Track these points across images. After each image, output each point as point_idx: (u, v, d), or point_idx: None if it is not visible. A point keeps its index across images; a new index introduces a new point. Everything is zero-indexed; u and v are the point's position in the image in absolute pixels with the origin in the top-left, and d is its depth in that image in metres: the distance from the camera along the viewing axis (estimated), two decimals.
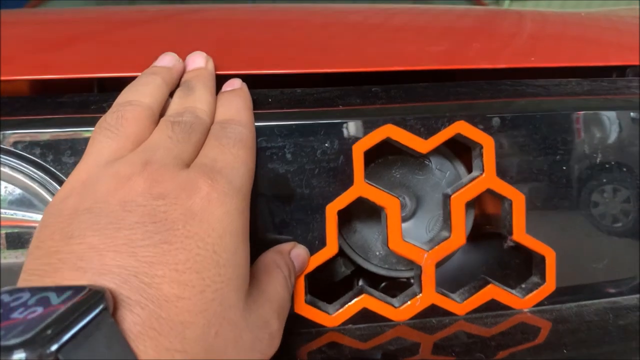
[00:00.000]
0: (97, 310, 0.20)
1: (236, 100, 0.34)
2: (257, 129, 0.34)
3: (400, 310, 0.37)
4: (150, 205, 0.25)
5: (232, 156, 0.30)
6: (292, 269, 0.33)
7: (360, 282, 0.48)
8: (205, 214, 0.26)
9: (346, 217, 0.40)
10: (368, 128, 0.35)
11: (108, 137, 0.29)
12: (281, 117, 0.35)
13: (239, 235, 0.28)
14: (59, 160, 0.33)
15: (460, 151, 0.40)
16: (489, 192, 0.37)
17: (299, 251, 0.35)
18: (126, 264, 0.23)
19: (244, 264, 0.28)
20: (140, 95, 0.31)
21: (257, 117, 0.34)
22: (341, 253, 0.42)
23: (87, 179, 0.27)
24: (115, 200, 0.25)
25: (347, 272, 0.44)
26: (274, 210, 0.35)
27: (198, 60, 0.36)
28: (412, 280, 0.48)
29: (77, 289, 0.21)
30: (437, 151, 0.40)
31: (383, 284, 0.47)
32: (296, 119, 0.35)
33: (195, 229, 0.25)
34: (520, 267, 0.46)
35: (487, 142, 0.36)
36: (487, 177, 0.36)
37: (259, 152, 0.34)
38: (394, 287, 0.47)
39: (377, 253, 0.41)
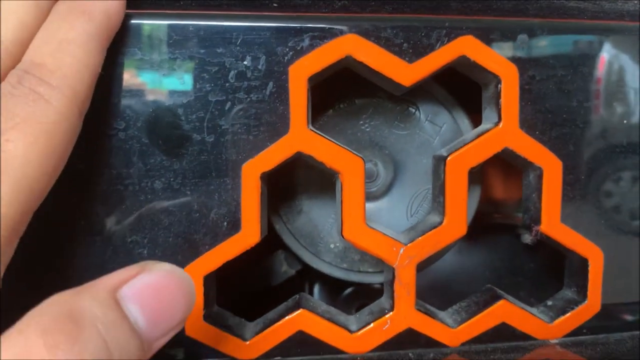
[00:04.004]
0: None
1: (69, 23, 0.19)
2: (131, 27, 0.20)
3: (359, 337, 0.23)
4: None
5: None
6: (116, 321, 0.15)
7: (316, 289, 0.35)
8: None
9: (288, 191, 0.27)
10: (317, 39, 0.21)
11: None
12: (172, 14, 0.21)
13: None
14: None
15: (462, 96, 0.27)
16: (507, 153, 0.23)
17: (148, 280, 0.16)
18: None
19: None
20: None
21: (134, 15, 0.20)
22: (282, 245, 0.28)
23: None
24: None
25: (290, 272, 0.31)
26: (153, 170, 0.21)
27: None
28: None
29: None
30: (428, 92, 0.26)
31: (349, 290, 0.34)
32: (198, 19, 0.21)
33: None
34: (535, 274, 0.33)
35: (508, 73, 0.23)
36: (505, 130, 0.23)
37: (131, 65, 0.20)
38: (364, 295, 0.34)
39: (332, 245, 0.28)
